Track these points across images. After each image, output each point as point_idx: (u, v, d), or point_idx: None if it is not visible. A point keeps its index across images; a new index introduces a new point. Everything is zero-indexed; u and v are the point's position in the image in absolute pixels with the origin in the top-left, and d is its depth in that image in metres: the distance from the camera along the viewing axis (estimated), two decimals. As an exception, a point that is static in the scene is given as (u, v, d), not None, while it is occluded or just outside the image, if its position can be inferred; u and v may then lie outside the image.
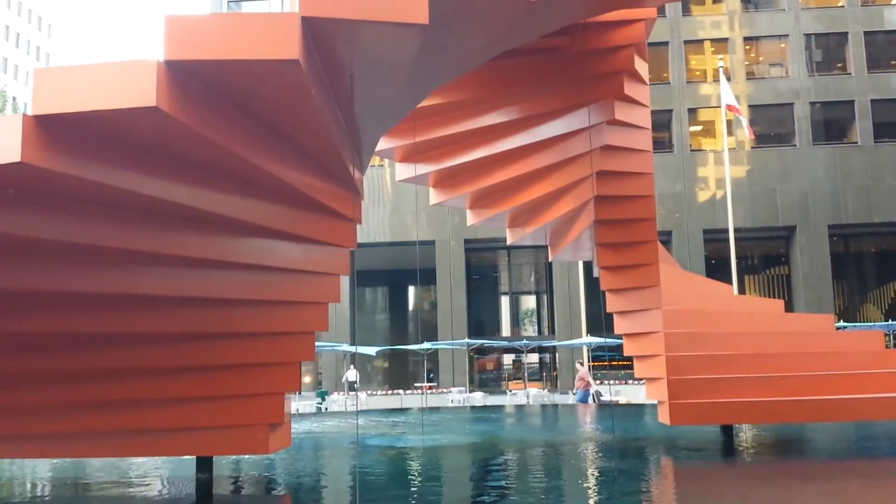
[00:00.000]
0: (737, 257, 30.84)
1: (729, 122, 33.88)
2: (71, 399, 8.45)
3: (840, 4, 39.41)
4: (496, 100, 12.27)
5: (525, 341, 36.15)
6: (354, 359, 35.91)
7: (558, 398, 30.44)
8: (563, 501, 8.57)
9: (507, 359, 42.86)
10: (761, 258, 40.34)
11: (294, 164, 7.44)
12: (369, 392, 34.96)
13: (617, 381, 33.26)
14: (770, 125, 38.84)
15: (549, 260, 16.80)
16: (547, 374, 42.05)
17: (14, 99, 77.15)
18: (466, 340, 34.28)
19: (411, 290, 45.82)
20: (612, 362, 36.61)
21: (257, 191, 7.44)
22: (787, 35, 39.08)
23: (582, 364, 27.02)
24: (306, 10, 5.47)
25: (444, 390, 34.24)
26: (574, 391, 25.98)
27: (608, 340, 26.76)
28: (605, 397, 25.67)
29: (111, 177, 5.67)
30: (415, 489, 9.32)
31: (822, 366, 11.43)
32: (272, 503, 9.21)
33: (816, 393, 11.14)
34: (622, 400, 25.59)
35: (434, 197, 14.27)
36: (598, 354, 36.23)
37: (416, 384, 38.50)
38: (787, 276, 38.65)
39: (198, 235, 7.34)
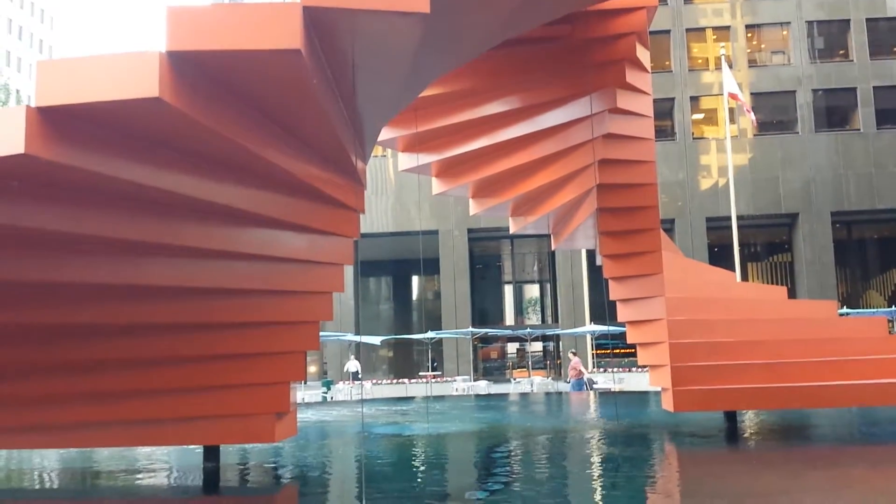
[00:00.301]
0: (739, 245, 30.80)
1: (731, 110, 33.77)
2: (77, 389, 8.51)
3: (842, -9, 39.24)
4: (498, 89, 12.27)
5: (529, 330, 36.13)
6: (359, 348, 35.97)
7: (562, 386, 30.46)
8: (569, 488, 8.61)
9: (511, 347, 42.87)
10: (764, 245, 40.28)
11: (297, 154, 7.46)
12: (374, 381, 35.01)
13: (620, 369, 33.26)
14: (772, 113, 38.71)
15: (553, 249, 16.81)
16: (551, 362, 42.08)
17: (17, 92, 77.10)
18: (470, 329, 34.29)
19: (415, 279, 45.85)
20: (615, 350, 36.64)
21: (261, 181, 7.46)
22: (789, 22, 38.91)
23: (574, 353, 27.16)
24: (308, -1, 5.48)
25: (449, 379, 34.29)
26: (568, 380, 26.12)
27: (611, 328, 26.81)
28: (598, 385, 25.80)
29: (114, 168, 5.70)
30: (421, 477, 9.37)
31: (825, 352, 11.45)
32: (279, 491, 9.25)
33: (820, 379, 11.16)
34: (613, 388, 25.71)
35: (437, 186, 14.28)
36: (601, 342, 36.25)
37: (420, 373, 38.58)
38: (790, 263, 38.60)
39: (201, 226, 7.37)
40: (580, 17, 11.60)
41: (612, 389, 24.40)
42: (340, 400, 26.80)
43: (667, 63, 38.83)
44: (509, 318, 42.93)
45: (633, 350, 15.98)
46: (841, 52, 38.94)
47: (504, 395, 25.35)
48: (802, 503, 7.24)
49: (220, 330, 8.59)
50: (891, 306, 35.01)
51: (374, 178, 37.69)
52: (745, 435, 12.02)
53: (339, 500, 8.59)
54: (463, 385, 29.79)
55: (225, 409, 8.75)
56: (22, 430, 8.88)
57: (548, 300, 42.80)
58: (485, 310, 42.34)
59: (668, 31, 38.59)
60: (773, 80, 38.69)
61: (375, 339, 34.27)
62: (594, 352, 37.31)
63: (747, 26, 39.35)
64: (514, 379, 36.20)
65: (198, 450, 9.81)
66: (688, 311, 11.83)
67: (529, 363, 39.60)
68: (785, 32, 39.23)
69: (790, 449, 11.04)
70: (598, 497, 7.80)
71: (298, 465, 10.58)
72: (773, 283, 37.42)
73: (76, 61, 5.23)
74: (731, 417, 12.24)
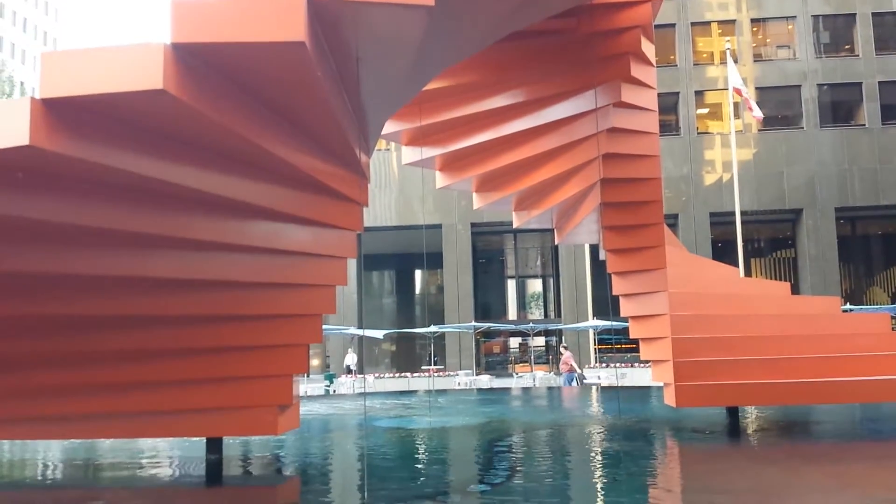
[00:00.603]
0: (743, 240, 30.77)
1: (736, 105, 33.69)
2: (81, 381, 8.52)
3: (849, -15, 39.10)
4: (502, 82, 12.24)
5: (531, 324, 36.15)
6: (360, 342, 36.00)
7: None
8: (571, 481, 8.63)
9: (514, 342, 42.87)
10: (768, 241, 40.22)
11: (301, 146, 7.45)
12: (377, 375, 35.06)
13: (623, 364, 33.25)
14: (777, 107, 38.61)
15: (556, 243, 16.80)
16: (553, 356, 42.06)
17: (22, 84, 77.03)
18: (473, 324, 34.31)
19: (418, 273, 45.87)
20: (618, 345, 36.64)
21: (265, 174, 7.45)
22: (795, 16, 38.78)
23: (566, 348, 27.31)
24: (312, -8, 5.46)
25: (451, 373, 34.33)
26: (559, 374, 26.35)
27: (614, 323, 26.81)
28: (588, 381, 26.15)
29: (119, 160, 5.70)
30: (423, 470, 9.39)
31: (828, 348, 11.43)
32: (281, 483, 9.28)
33: (822, 375, 11.15)
34: (600, 383, 26.02)
35: (440, 180, 14.26)
36: (604, 337, 36.24)
37: (423, 367, 38.61)
38: (794, 258, 38.53)
39: (206, 218, 7.37)
40: (585, 10, 11.57)
41: (601, 385, 24.62)
42: (343, 393, 26.85)
43: (672, 57, 38.73)
44: (512, 313, 42.91)
45: (635, 345, 15.98)
46: (846, 46, 38.81)
47: (506, 390, 25.40)
48: (804, 500, 7.24)
49: (223, 322, 8.60)
50: (894, 303, 35.00)
51: (377, 171, 37.67)
52: (748, 431, 12.02)
53: (341, 492, 8.61)
54: (465, 379, 29.83)
55: (228, 401, 8.76)
56: (24, 421, 8.91)
57: (551, 295, 42.78)
58: (488, 304, 42.33)
59: (673, 25, 38.50)
60: (778, 75, 38.57)
61: (378, 333, 34.29)
62: (597, 346, 37.31)
63: (753, 20, 39.23)
64: (517, 373, 36.22)
65: (200, 442, 9.84)
66: (691, 307, 11.81)
67: (532, 358, 39.62)
68: (790, 27, 39.11)
69: (792, 445, 11.04)
70: (599, 491, 7.81)
71: (301, 458, 10.60)
72: (776, 279, 37.38)
73: (80, 53, 5.22)
74: (734, 413, 12.24)
